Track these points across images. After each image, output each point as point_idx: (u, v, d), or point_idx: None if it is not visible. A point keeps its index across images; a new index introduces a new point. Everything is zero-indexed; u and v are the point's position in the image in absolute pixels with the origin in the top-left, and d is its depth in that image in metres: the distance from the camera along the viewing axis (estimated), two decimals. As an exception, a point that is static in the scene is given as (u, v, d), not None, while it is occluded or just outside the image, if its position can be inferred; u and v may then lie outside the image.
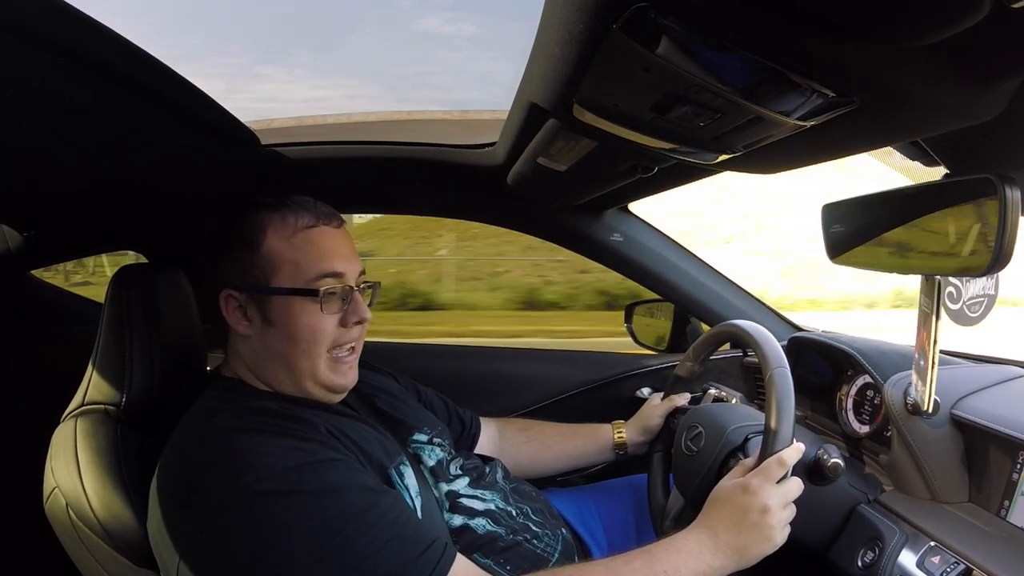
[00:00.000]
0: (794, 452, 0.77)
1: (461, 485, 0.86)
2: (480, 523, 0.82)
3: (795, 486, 0.77)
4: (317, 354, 0.76)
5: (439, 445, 0.90)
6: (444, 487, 0.84)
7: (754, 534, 0.75)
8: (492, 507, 0.86)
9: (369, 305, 0.82)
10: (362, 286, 0.81)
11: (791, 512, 0.77)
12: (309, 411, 0.75)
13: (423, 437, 0.90)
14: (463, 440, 1.09)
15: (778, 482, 0.76)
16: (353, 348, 0.80)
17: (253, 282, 0.75)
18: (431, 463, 0.86)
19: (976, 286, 0.81)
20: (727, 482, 0.80)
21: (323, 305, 0.75)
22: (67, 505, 0.75)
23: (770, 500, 0.75)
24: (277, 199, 0.79)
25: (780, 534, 0.76)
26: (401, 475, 0.77)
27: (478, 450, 1.10)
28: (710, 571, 0.74)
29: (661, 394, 1.16)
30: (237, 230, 0.77)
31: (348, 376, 0.80)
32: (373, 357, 0.88)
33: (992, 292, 0.81)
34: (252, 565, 0.61)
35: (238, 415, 0.70)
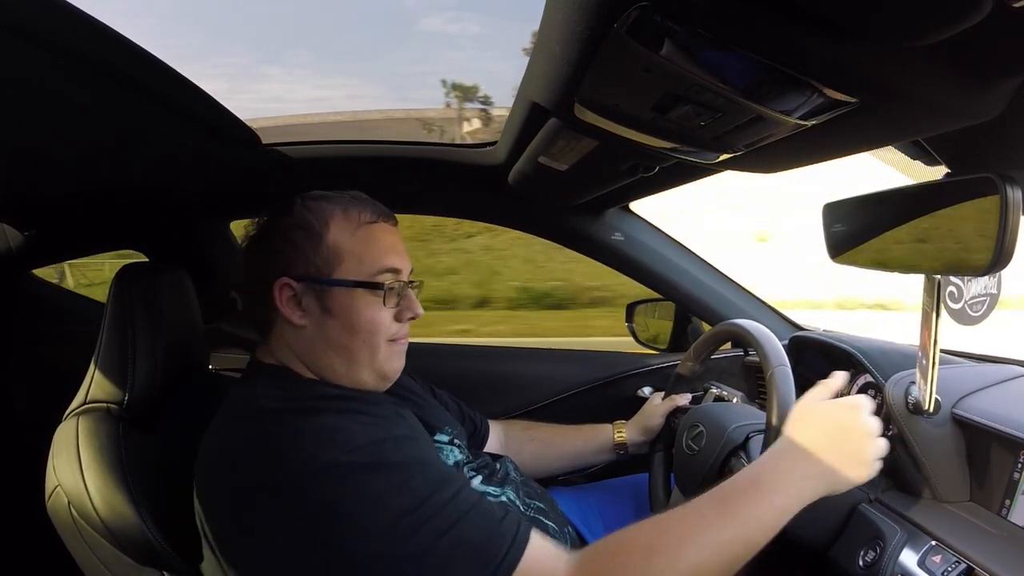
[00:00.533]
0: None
1: (475, 483, 0.87)
2: None
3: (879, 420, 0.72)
4: (376, 345, 0.76)
5: (458, 446, 0.90)
6: None
7: (854, 457, 0.69)
8: (504, 500, 0.86)
9: None
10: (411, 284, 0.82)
11: (884, 447, 0.72)
12: (369, 395, 0.77)
13: (445, 437, 0.90)
14: (474, 441, 1.09)
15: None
16: (404, 340, 0.82)
17: (315, 273, 0.75)
18: (450, 463, 0.86)
19: (978, 285, 0.81)
20: (820, 398, 0.74)
21: (385, 299, 0.76)
22: (69, 504, 0.75)
23: (872, 423, 0.71)
24: (335, 192, 0.79)
25: (874, 467, 0.71)
26: None
27: (486, 450, 1.11)
28: (796, 503, 0.66)
29: (662, 394, 1.17)
30: (298, 221, 0.76)
31: (401, 361, 0.81)
32: None
33: (994, 291, 0.81)
34: (342, 536, 0.60)
35: (306, 399, 0.70)
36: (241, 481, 0.64)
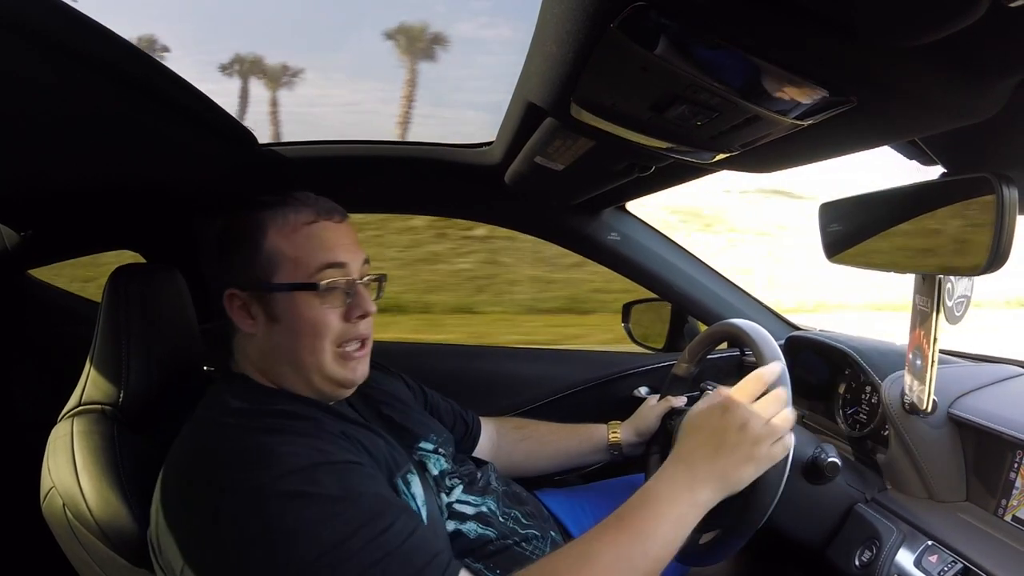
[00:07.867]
0: (771, 370, 0.77)
1: (456, 494, 0.86)
2: (471, 527, 0.81)
3: (775, 399, 0.75)
4: (322, 349, 0.75)
5: (443, 455, 0.90)
6: (444, 498, 0.84)
7: (735, 456, 0.72)
8: (483, 510, 0.85)
9: (376, 298, 0.81)
10: (367, 279, 0.80)
11: (780, 426, 0.74)
12: (321, 413, 0.75)
13: (429, 446, 0.89)
14: (466, 441, 1.09)
15: (757, 400, 0.75)
16: (362, 343, 0.79)
17: (256, 280, 0.75)
18: (435, 472, 0.86)
19: (960, 287, 0.81)
20: (700, 407, 0.78)
21: (325, 298, 0.75)
22: (64, 505, 0.75)
23: (750, 418, 0.72)
24: (278, 196, 0.79)
25: (767, 451, 0.73)
26: (408, 484, 0.77)
27: (477, 450, 1.11)
28: (692, 510, 0.70)
29: (658, 396, 1.17)
30: (239, 230, 0.77)
31: (357, 371, 0.79)
32: (374, 356, 0.87)
33: (968, 294, 0.81)
34: (260, 564, 0.60)
35: (253, 416, 0.70)
36: (180, 493, 0.66)
